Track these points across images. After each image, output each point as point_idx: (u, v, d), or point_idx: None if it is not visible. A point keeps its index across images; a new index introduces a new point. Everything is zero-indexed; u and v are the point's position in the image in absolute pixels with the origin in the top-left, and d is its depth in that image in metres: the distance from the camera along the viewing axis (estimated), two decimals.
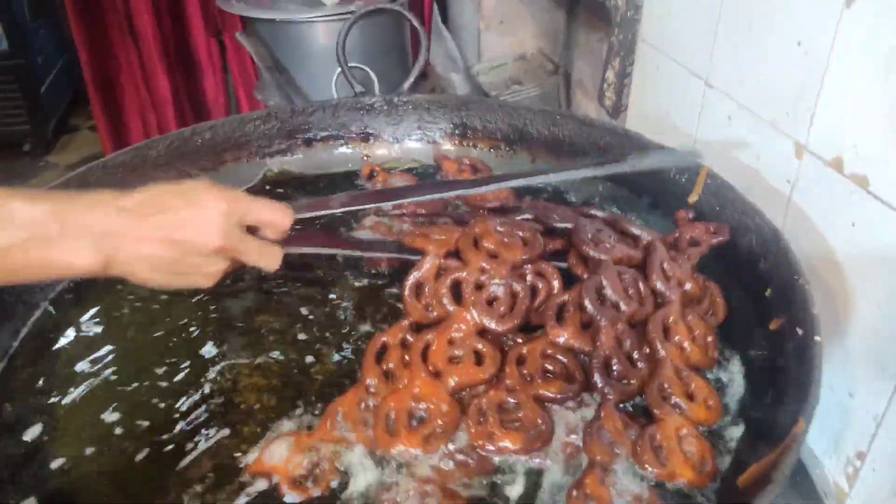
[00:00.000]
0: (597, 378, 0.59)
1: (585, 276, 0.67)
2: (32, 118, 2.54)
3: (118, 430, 0.60)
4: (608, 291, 0.64)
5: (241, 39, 1.51)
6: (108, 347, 0.69)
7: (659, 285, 0.66)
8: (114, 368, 0.66)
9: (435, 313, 0.65)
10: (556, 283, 0.67)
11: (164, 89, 1.96)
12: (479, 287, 0.64)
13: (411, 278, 0.66)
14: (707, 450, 0.55)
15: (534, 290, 0.67)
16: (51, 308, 0.73)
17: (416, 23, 1.02)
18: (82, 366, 0.67)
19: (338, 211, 0.67)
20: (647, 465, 0.54)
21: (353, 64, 1.05)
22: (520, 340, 0.64)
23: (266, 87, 1.52)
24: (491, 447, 0.56)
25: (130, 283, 0.56)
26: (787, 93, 0.80)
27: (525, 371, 0.61)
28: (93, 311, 0.73)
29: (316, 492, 0.54)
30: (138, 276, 0.55)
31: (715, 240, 0.74)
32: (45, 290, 0.74)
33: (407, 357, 0.63)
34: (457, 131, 0.97)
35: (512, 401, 0.59)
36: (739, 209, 0.71)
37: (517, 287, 0.65)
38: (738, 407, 0.61)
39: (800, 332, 0.57)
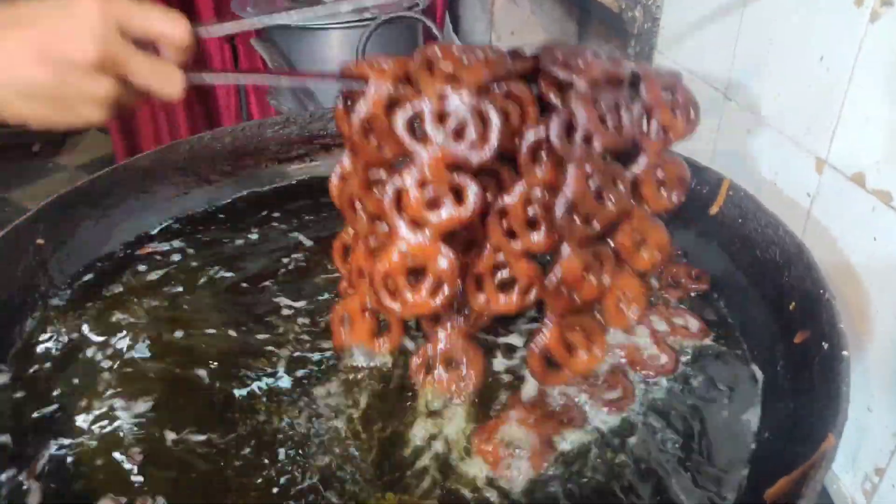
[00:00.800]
0: (559, 219, 0.57)
1: (557, 102, 0.58)
2: None
3: None
4: (579, 122, 0.56)
5: (255, 45, 1.52)
6: None
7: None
8: None
9: (388, 153, 0.58)
10: (529, 108, 0.58)
11: None
12: (442, 117, 0.54)
13: (356, 112, 0.57)
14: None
15: (506, 116, 0.58)
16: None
17: (435, 30, 1.02)
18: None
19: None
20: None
21: None
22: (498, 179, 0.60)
23: (279, 92, 1.53)
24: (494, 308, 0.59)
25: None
26: (808, 107, 0.80)
27: (508, 226, 0.59)
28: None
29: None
30: (13, 110, 0.48)
31: (694, 286, 0.76)
32: None
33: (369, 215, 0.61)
34: None
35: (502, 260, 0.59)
36: (762, 221, 0.71)
37: (486, 109, 0.55)
38: (759, 420, 0.60)
39: (826, 346, 0.57)
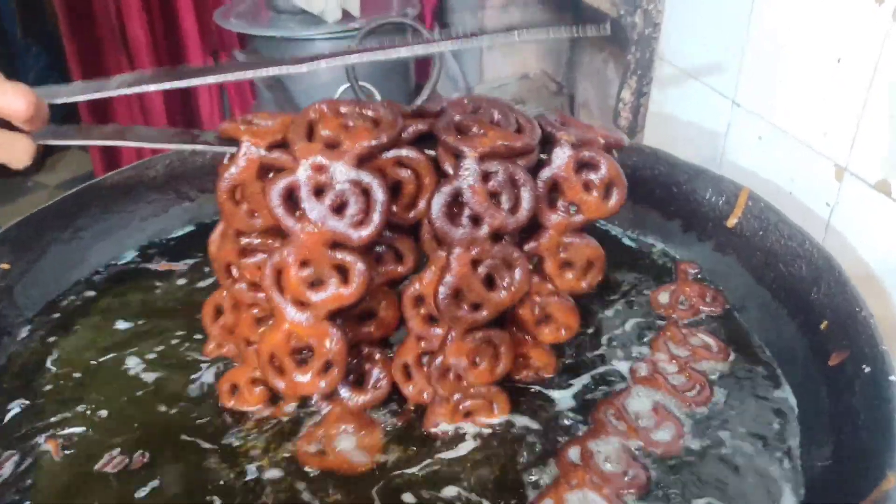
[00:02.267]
0: (444, 309, 0.53)
1: (451, 172, 0.53)
2: None
3: None
4: (466, 201, 0.51)
5: (239, 57, 1.47)
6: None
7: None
8: None
9: (260, 222, 0.54)
10: (426, 178, 0.53)
11: (158, 108, 1.91)
12: (320, 190, 0.50)
13: (225, 177, 0.53)
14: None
15: (396, 187, 0.54)
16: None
17: (427, 36, 0.98)
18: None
19: (115, 93, 0.54)
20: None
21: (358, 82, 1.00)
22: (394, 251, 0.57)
23: (264, 105, 1.47)
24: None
25: None
26: (824, 112, 0.76)
27: (425, 312, 0.56)
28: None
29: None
30: None
31: (708, 308, 0.71)
32: None
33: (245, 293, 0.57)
34: None
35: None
36: (785, 233, 0.67)
37: (370, 182, 0.49)
38: (800, 454, 0.55)
39: (867, 370, 0.52)
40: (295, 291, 0.51)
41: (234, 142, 0.52)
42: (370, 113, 0.52)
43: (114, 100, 2.00)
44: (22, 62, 2.47)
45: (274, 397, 0.60)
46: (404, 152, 0.53)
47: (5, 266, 0.67)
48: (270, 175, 0.52)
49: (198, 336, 0.67)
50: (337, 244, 0.50)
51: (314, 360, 0.53)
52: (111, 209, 0.77)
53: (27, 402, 0.60)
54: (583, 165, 0.57)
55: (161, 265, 0.77)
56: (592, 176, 0.57)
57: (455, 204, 0.52)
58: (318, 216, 0.49)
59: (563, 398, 0.61)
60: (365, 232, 0.50)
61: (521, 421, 0.59)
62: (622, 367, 0.64)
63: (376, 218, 0.50)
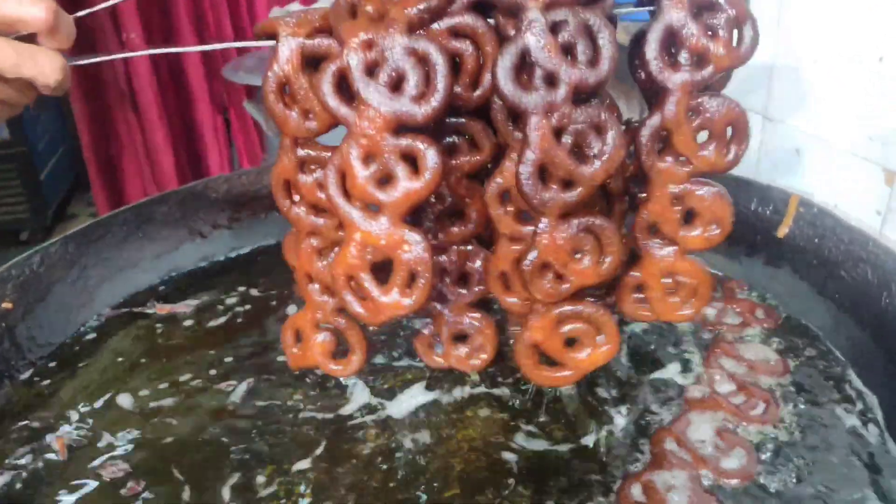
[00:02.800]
0: (528, 191, 0.45)
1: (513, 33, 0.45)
2: (31, 207, 2.48)
3: None
4: (536, 57, 0.44)
5: (248, 108, 1.45)
6: None
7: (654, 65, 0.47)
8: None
9: (316, 124, 0.49)
10: (487, 45, 0.46)
11: (167, 166, 1.89)
12: (372, 69, 0.44)
13: (268, 76, 0.47)
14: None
15: (456, 64, 0.47)
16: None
17: None
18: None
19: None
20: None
21: None
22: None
23: (273, 157, 1.45)
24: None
25: None
26: (868, 115, 0.72)
27: (514, 209, 0.50)
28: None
29: None
30: None
31: (760, 324, 0.65)
32: None
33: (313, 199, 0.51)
34: None
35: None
36: (845, 238, 0.62)
37: (426, 50, 0.44)
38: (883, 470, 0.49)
39: None
40: (362, 193, 0.45)
41: (274, 38, 0.47)
42: None
43: (124, 161, 2.00)
44: (32, 127, 2.49)
45: (341, 350, 0.55)
46: (459, 19, 0.46)
47: (7, 305, 0.62)
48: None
49: (212, 372, 0.62)
50: (401, 128, 0.44)
51: (395, 272, 0.46)
52: (121, 247, 0.73)
53: (33, 447, 0.55)
54: (701, 8, 0.48)
55: (167, 308, 0.72)
56: (714, 20, 0.47)
57: (524, 68, 0.45)
58: (375, 97, 0.44)
59: (615, 423, 0.55)
60: (430, 105, 0.44)
61: (564, 449, 0.53)
62: (672, 388, 0.58)
63: (440, 87, 0.43)
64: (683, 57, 0.47)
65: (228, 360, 0.64)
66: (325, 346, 0.55)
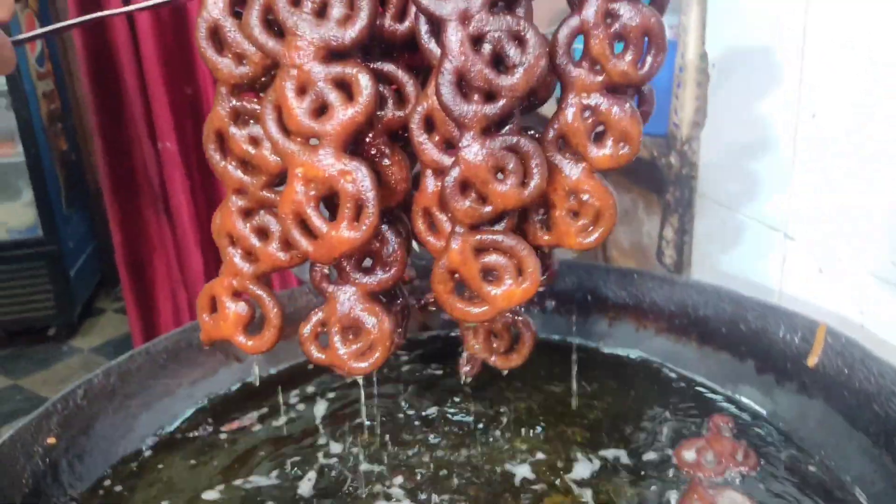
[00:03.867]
0: (448, 102, 0.44)
1: None
2: (59, 304, 2.53)
3: None
4: None
5: None
6: None
7: None
8: None
9: (249, 68, 0.48)
10: None
11: (196, 266, 1.94)
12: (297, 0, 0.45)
13: (198, 23, 0.47)
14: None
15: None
16: None
17: None
18: None
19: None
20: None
21: None
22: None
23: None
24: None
25: None
26: (891, 238, 0.73)
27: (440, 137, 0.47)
28: None
29: None
30: None
31: (738, 468, 0.63)
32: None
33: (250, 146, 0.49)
34: None
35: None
36: (875, 370, 0.62)
37: None
38: None
39: None
40: (299, 126, 0.45)
41: None
42: None
43: (154, 261, 2.04)
44: (63, 228, 2.57)
45: (255, 324, 0.52)
46: None
47: (51, 440, 0.64)
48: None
49: (260, 499, 0.63)
50: (331, 55, 0.44)
51: (342, 205, 0.45)
52: (159, 375, 0.75)
53: None
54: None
55: (207, 430, 0.74)
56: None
57: None
58: (302, 25, 0.44)
59: None
60: (355, 28, 0.44)
61: None
62: None
63: (363, 7, 0.44)
64: None
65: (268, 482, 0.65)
66: (239, 317, 0.53)
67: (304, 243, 0.47)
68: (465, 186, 0.46)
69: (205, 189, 1.91)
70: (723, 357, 0.76)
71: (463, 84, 0.45)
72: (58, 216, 2.51)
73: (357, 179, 0.45)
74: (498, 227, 0.48)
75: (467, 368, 0.66)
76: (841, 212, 0.80)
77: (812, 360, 0.68)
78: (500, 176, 0.46)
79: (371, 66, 0.48)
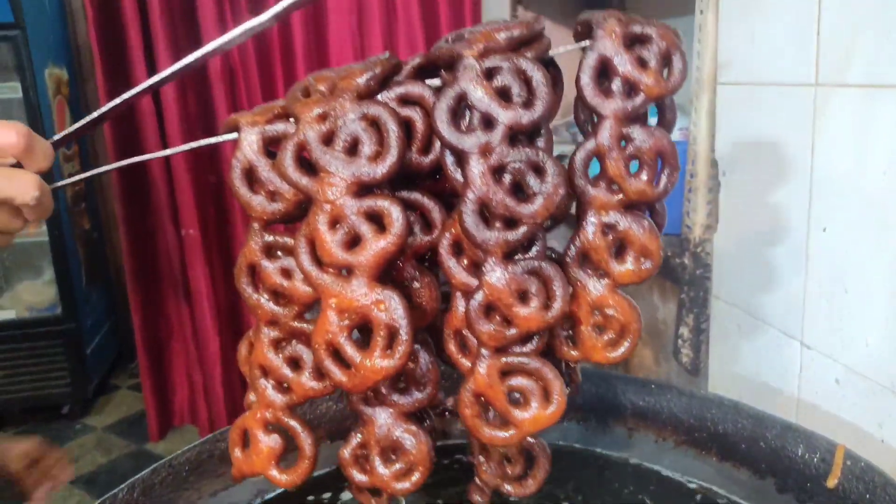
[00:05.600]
0: (471, 229, 0.46)
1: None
2: (75, 381, 2.53)
3: None
4: (470, 101, 0.46)
5: None
6: None
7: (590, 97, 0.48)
8: None
9: (281, 204, 0.50)
10: (431, 100, 0.48)
11: (213, 348, 1.96)
12: (329, 138, 0.47)
13: (233, 164, 0.50)
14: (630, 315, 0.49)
15: (409, 125, 0.49)
16: None
17: None
18: None
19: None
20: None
21: None
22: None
23: None
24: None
25: None
26: None
27: (469, 261, 0.49)
28: None
29: None
30: None
31: None
32: None
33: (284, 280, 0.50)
34: None
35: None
36: (893, 495, 0.62)
37: (376, 113, 0.47)
38: None
39: None
40: (332, 258, 0.46)
41: (237, 130, 0.51)
42: (359, 64, 0.49)
43: (172, 342, 2.06)
44: (83, 306, 2.60)
45: (288, 453, 0.53)
46: (406, 88, 0.49)
47: None
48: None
49: None
50: (362, 190, 0.46)
51: (374, 334, 0.46)
52: (180, 488, 0.75)
53: None
54: (633, 40, 0.49)
55: None
56: (645, 51, 0.49)
57: (462, 113, 0.47)
58: (334, 163, 0.46)
59: None
60: (385, 164, 0.46)
61: None
62: None
63: (393, 143, 0.46)
64: (616, 85, 0.49)
65: None
66: (272, 451, 0.53)
67: (337, 374, 0.48)
68: (489, 310, 0.48)
69: (225, 276, 1.95)
70: (742, 473, 0.76)
71: (485, 212, 0.47)
72: (77, 294, 2.54)
73: (390, 308, 0.46)
74: (526, 349, 0.50)
75: (478, 498, 0.65)
76: (858, 322, 0.81)
77: (832, 482, 0.68)
78: (524, 299, 0.48)
79: (398, 194, 0.50)
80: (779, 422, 0.74)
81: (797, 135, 0.87)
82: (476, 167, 0.47)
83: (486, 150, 0.47)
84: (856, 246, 0.80)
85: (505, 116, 0.46)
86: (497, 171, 0.47)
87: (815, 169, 0.85)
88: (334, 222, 0.47)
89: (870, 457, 0.67)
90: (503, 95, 0.47)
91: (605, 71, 0.49)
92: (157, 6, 1.86)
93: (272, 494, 0.82)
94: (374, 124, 0.47)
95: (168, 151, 0.59)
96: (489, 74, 0.47)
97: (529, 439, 0.62)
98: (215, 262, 1.91)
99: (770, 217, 0.94)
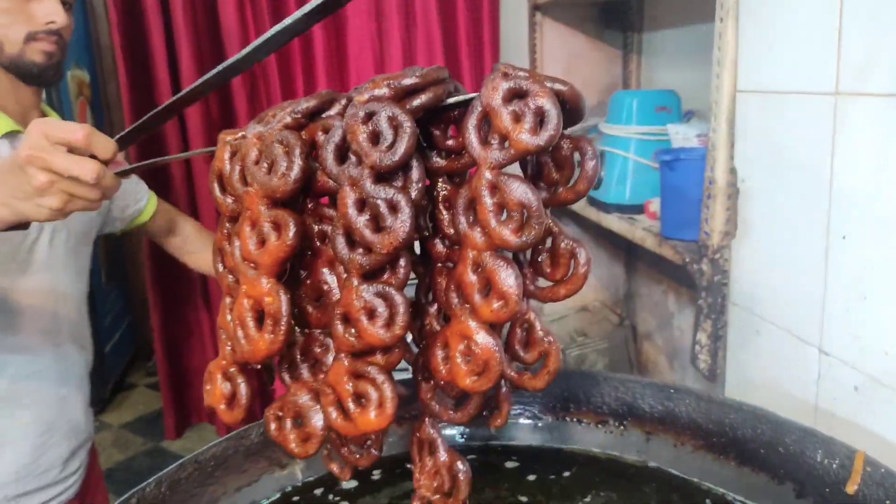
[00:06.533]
0: (337, 248, 0.54)
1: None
2: (92, 380, 2.56)
3: None
4: (349, 139, 0.54)
5: None
6: None
7: (472, 139, 0.53)
8: None
9: (237, 205, 0.59)
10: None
11: None
12: (259, 158, 0.57)
13: (211, 171, 0.61)
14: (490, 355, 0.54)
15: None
16: None
17: None
18: None
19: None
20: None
21: None
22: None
23: None
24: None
25: None
26: None
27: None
28: None
29: None
30: None
31: None
32: None
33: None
34: (558, 405, 0.91)
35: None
36: None
37: (287, 140, 0.56)
38: None
39: None
40: (247, 253, 0.56)
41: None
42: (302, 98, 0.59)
43: (191, 341, 2.08)
44: (102, 304, 2.63)
45: (231, 401, 0.62)
46: (326, 122, 0.57)
47: None
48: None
49: None
50: (273, 203, 0.56)
51: (266, 317, 0.56)
52: (206, 483, 0.77)
53: None
54: (514, 95, 0.52)
55: None
56: (523, 106, 0.52)
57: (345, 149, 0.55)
58: (257, 177, 0.56)
59: None
60: (289, 179, 0.55)
61: None
62: None
63: (296, 165, 0.55)
64: (495, 138, 0.53)
65: None
66: (224, 394, 0.62)
67: (243, 344, 0.57)
68: (345, 320, 0.56)
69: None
70: (761, 479, 0.76)
71: (349, 237, 0.55)
72: (96, 292, 2.57)
73: (276, 300, 0.56)
74: (379, 360, 0.57)
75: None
76: (877, 329, 0.82)
77: (851, 488, 0.69)
78: (371, 316, 0.55)
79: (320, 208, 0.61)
80: (798, 427, 0.75)
81: (817, 143, 0.87)
82: (345, 197, 0.54)
83: (353, 184, 0.54)
84: (875, 254, 0.81)
85: (370, 157, 0.53)
86: (360, 204, 0.54)
87: (835, 177, 0.85)
88: (252, 225, 0.57)
89: (889, 464, 0.67)
90: (374, 138, 0.53)
91: (486, 121, 0.54)
92: (179, 8, 1.88)
93: (295, 485, 0.83)
94: (287, 150, 0.56)
95: (168, 158, 0.66)
96: (367, 118, 0.54)
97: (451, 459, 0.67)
98: None
99: (789, 224, 0.94)
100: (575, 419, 0.91)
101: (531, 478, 0.84)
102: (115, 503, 0.70)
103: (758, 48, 0.98)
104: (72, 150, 0.64)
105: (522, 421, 0.92)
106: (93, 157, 0.65)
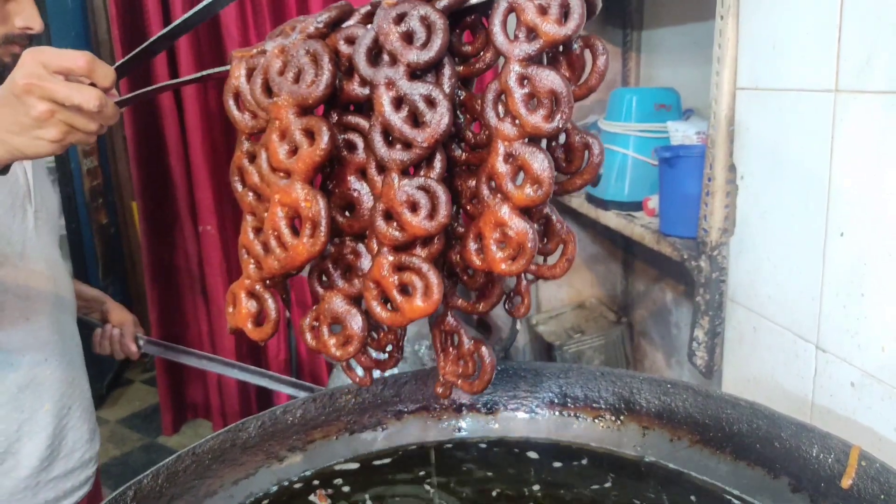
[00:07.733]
0: (376, 147, 0.56)
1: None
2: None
3: None
4: (382, 41, 0.55)
5: None
6: None
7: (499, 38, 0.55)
8: None
9: (258, 122, 0.61)
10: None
11: (228, 346, 1.98)
12: (283, 69, 0.58)
13: (226, 89, 0.61)
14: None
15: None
16: None
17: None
18: None
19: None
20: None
21: None
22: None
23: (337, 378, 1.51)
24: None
25: None
26: None
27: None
28: None
29: None
30: None
31: None
32: None
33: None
34: (556, 400, 0.92)
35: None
36: None
37: (315, 49, 0.57)
38: None
39: None
40: (278, 162, 0.57)
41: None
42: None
43: (189, 337, 2.08)
44: None
45: (257, 318, 0.63)
46: (350, 30, 0.58)
47: None
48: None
49: None
50: (302, 111, 0.57)
51: (303, 223, 0.57)
52: (204, 476, 0.77)
53: None
54: None
55: None
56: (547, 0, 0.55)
57: (378, 52, 0.57)
58: (284, 88, 0.57)
59: None
60: (319, 88, 0.56)
61: None
62: None
63: (326, 73, 0.56)
64: (520, 31, 0.55)
65: None
66: (250, 312, 0.63)
67: (278, 252, 0.59)
68: (388, 216, 0.58)
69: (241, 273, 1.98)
70: (757, 473, 0.76)
71: (389, 134, 0.57)
72: (95, 287, 2.57)
73: (314, 205, 0.57)
74: (421, 252, 0.59)
75: (440, 390, 0.75)
76: (873, 326, 0.82)
77: (846, 482, 0.69)
78: (413, 209, 0.57)
79: (344, 118, 0.62)
80: (794, 422, 0.75)
81: (816, 140, 0.87)
82: (381, 97, 0.56)
83: (389, 83, 0.56)
84: (873, 251, 0.81)
85: (405, 56, 0.55)
86: (397, 102, 0.56)
87: (834, 174, 0.85)
88: (282, 135, 0.58)
89: (885, 459, 0.67)
90: (407, 38, 0.55)
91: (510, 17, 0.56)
92: (178, 3, 1.88)
93: (292, 477, 0.83)
94: (315, 60, 0.57)
95: (174, 82, 0.72)
96: (399, 19, 0.55)
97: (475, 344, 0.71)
98: (232, 258, 1.93)
99: (787, 221, 0.95)
100: (572, 413, 0.91)
101: (528, 472, 0.85)
102: (113, 494, 0.70)
103: (758, 46, 0.98)
104: (69, 79, 0.63)
105: (520, 415, 0.92)
106: (92, 85, 0.63)
